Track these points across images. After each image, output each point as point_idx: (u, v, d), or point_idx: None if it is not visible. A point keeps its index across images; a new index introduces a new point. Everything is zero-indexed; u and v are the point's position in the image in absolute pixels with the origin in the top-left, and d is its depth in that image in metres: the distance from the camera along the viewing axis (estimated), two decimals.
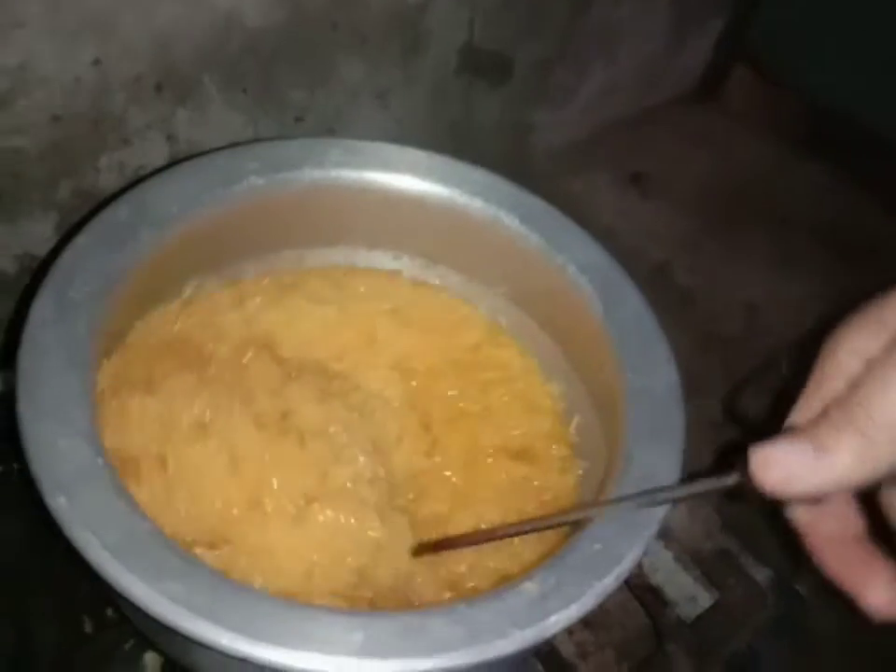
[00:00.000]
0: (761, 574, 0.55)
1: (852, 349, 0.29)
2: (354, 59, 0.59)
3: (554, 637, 0.32)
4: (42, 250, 0.54)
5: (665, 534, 0.55)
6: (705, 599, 0.54)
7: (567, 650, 0.50)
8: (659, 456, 0.37)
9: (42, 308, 0.35)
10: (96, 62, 0.47)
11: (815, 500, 0.29)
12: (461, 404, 0.47)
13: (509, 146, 0.80)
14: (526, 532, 0.38)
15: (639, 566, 0.53)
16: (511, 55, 0.71)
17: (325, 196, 0.48)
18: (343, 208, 0.49)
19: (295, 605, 0.29)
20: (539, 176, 0.77)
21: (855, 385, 0.26)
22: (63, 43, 0.45)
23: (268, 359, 0.46)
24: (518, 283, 0.50)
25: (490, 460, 0.45)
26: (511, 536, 0.38)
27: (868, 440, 0.25)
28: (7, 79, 0.44)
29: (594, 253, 0.45)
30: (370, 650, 0.28)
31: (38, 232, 0.53)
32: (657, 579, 0.54)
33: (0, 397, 0.46)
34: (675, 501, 0.34)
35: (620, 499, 0.35)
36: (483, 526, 0.42)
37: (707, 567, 0.55)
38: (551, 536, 0.40)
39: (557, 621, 0.30)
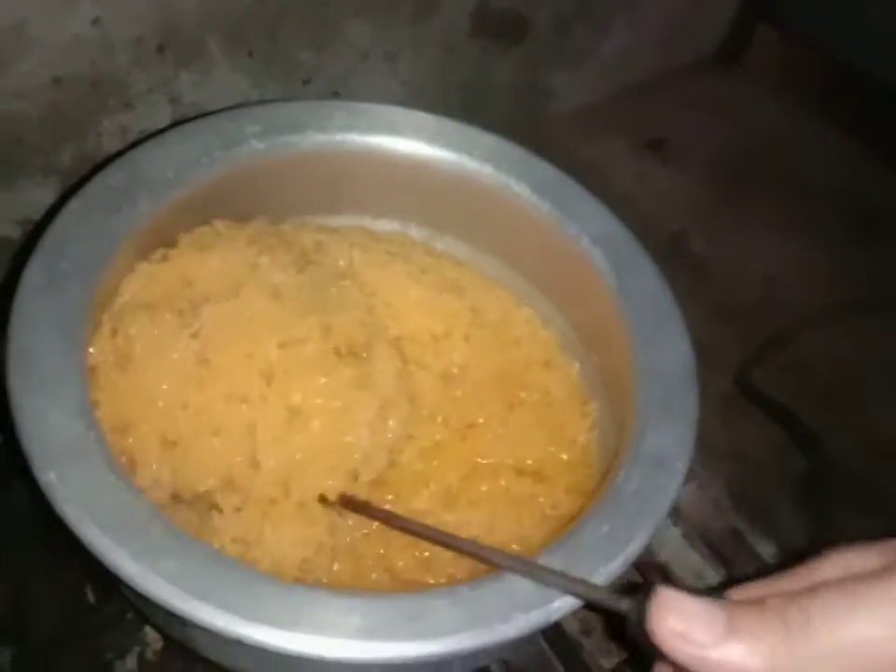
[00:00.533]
0: (771, 554, 0.54)
1: (841, 562, 0.26)
2: (362, 19, 0.58)
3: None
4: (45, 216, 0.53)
5: (673, 511, 0.54)
6: (712, 577, 0.53)
7: (572, 626, 0.49)
8: (670, 436, 0.36)
9: (33, 277, 0.34)
10: (96, 20, 0.46)
11: None
12: (481, 420, 0.45)
13: (523, 109, 0.79)
14: (445, 544, 0.35)
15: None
16: (527, 14, 0.69)
17: (329, 161, 0.46)
18: (347, 174, 0.48)
19: (292, 586, 0.29)
20: (554, 141, 0.75)
21: (813, 588, 0.23)
22: (60, 1, 0.44)
23: (358, 293, 0.45)
24: (528, 254, 0.48)
25: (495, 475, 0.43)
26: (429, 540, 0.36)
27: (788, 651, 0.22)
28: (4, 40, 0.44)
29: (608, 224, 0.44)
30: (368, 633, 0.27)
31: (40, 198, 0.52)
32: (664, 555, 0.54)
33: None
34: (568, 593, 0.30)
35: (528, 564, 0.33)
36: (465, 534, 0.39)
37: (717, 545, 0.54)
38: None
39: (561, 606, 0.29)
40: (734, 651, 0.23)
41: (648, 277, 0.42)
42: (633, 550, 0.32)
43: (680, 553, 0.54)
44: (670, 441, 0.35)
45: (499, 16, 0.67)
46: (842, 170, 0.84)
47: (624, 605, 0.27)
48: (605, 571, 0.31)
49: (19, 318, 0.32)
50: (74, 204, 0.37)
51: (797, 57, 0.90)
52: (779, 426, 0.65)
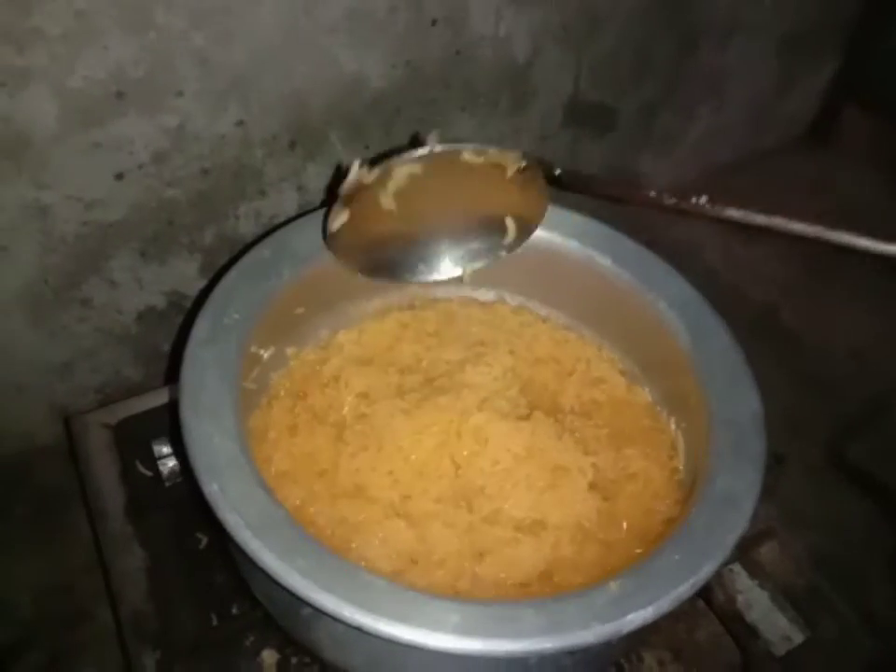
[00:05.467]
0: (855, 613, 0.55)
1: None
2: (465, 114, 0.63)
3: (631, 636, 0.34)
4: (188, 288, 0.60)
5: (760, 573, 0.56)
6: (798, 639, 0.54)
7: None
8: (740, 479, 0.39)
9: (201, 330, 0.42)
10: (240, 122, 0.53)
11: None
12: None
13: None
14: None
15: (734, 602, 0.53)
16: (615, 104, 0.73)
17: None
18: None
19: (403, 588, 0.34)
20: (645, 219, 0.78)
21: None
22: (213, 106, 0.51)
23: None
24: (611, 317, 0.52)
25: None
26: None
27: None
28: (168, 139, 0.51)
29: (683, 290, 0.48)
30: (464, 629, 0.32)
31: (185, 272, 0.59)
32: (752, 616, 0.55)
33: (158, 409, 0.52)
34: None
35: None
36: None
37: (800, 604, 0.55)
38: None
39: (634, 619, 0.33)
40: None
41: (720, 337, 0.46)
42: (700, 577, 0.35)
43: (769, 615, 0.55)
44: (740, 484, 0.38)
45: (589, 106, 0.71)
46: None
47: None
48: (675, 592, 0.34)
49: (189, 363, 0.40)
50: (233, 273, 0.45)
51: (885, 135, 0.90)
52: (872, 498, 0.65)
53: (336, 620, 0.32)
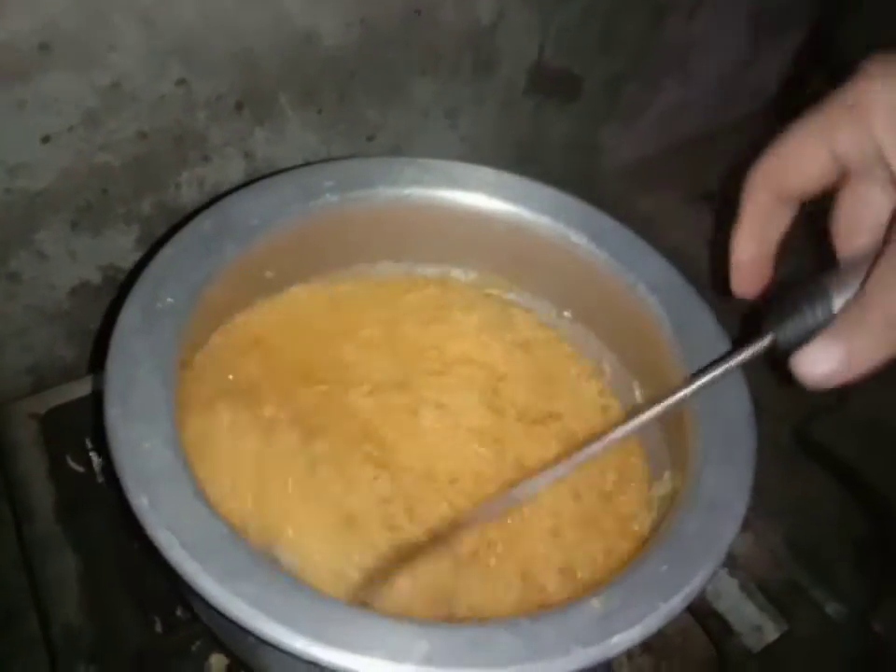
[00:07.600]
0: (834, 608, 0.54)
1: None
2: (425, 79, 0.61)
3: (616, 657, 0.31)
4: (125, 261, 0.56)
5: (730, 561, 0.54)
6: (770, 630, 0.52)
7: None
8: (728, 478, 0.36)
9: (130, 316, 0.37)
10: (181, 81, 0.49)
11: None
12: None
13: (577, 163, 0.80)
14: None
15: (703, 593, 0.52)
16: (581, 73, 0.71)
17: (396, 213, 0.49)
18: (413, 224, 0.50)
19: (364, 612, 0.30)
20: (608, 194, 0.76)
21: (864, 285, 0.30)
22: (153, 63, 0.47)
23: None
24: (586, 301, 0.50)
25: None
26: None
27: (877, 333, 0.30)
28: (100, 98, 0.47)
29: (664, 272, 0.45)
30: (434, 659, 0.29)
31: (122, 244, 0.55)
32: (721, 606, 0.53)
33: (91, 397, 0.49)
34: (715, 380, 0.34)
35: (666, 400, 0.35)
36: None
37: (775, 597, 0.53)
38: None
39: (620, 641, 0.30)
40: (862, 364, 0.31)
41: (704, 324, 0.43)
42: (692, 589, 0.32)
43: (737, 604, 0.53)
44: (728, 485, 0.36)
45: (554, 75, 0.69)
46: None
47: (766, 343, 0.34)
48: (665, 608, 0.31)
49: (116, 354, 0.35)
50: (167, 250, 0.40)
51: None
52: (841, 482, 0.64)
53: (288, 653, 0.28)
